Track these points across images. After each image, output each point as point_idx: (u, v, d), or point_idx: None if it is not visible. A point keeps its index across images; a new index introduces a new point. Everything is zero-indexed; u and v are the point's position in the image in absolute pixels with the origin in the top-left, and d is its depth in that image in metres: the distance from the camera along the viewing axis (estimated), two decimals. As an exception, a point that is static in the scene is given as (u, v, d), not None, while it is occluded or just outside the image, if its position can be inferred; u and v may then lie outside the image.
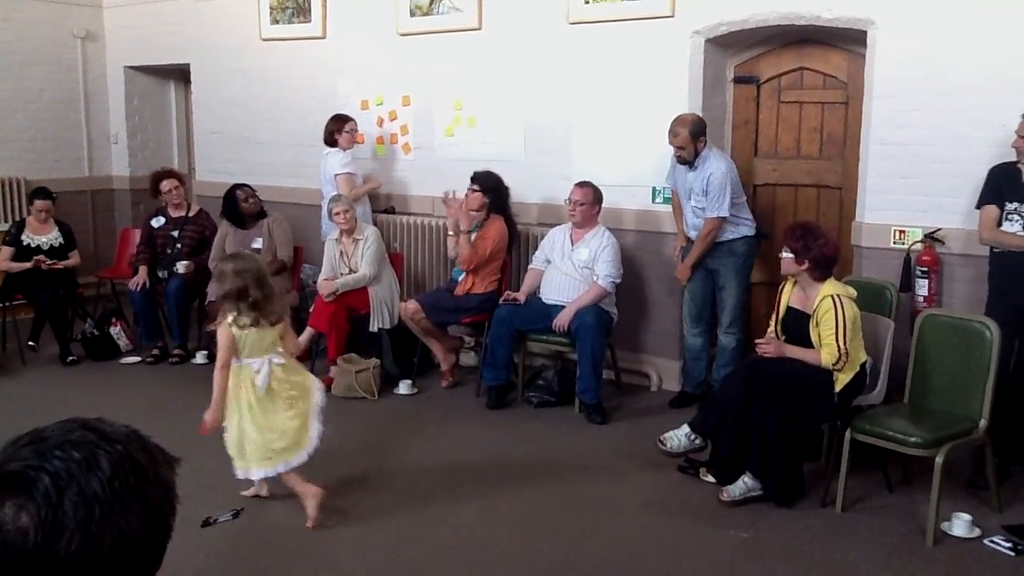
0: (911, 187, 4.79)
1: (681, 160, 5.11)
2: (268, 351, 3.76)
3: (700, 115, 5.20)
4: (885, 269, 4.81)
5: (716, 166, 5.03)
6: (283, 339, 3.84)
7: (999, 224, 4.23)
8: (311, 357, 6.00)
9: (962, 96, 4.60)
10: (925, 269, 4.68)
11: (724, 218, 5.06)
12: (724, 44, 5.47)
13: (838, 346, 3.92)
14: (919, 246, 4.75)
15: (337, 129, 6.32)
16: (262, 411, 3.74)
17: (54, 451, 0.93)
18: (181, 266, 6.30)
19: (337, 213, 5.79)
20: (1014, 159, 4.21)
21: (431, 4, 6.38)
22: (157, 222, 6.58)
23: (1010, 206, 4.19)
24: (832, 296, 3.96)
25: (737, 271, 5.20)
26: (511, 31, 6.05)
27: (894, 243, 4.85)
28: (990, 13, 4.49)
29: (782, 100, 5.50)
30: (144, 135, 8.69)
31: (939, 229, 4.70)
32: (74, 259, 6.63)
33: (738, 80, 5.60)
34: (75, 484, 0.91)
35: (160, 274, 6.40)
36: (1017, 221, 4.17)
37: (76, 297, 6.76)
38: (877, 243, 4.90)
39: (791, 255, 4.06)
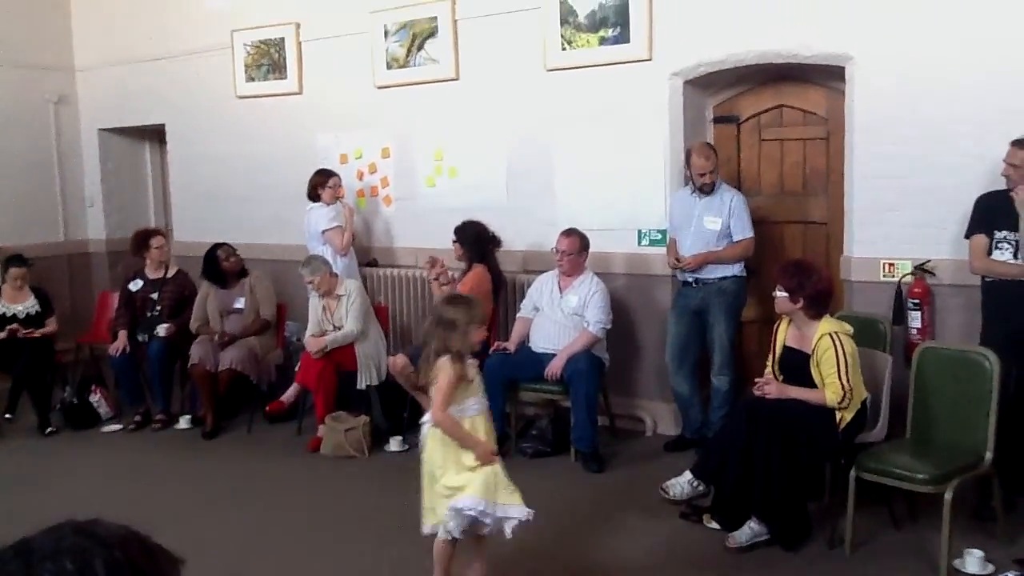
0: (898, 219, 4.78)
1: (705, 187, 5.10)
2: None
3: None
4: (876, 303, 4.77)
5: (733, 193, 5.17)
6: None
7: (989, 253, 4.22)
8: (298, 415, 5.89)
9: (942, 126, 4.61)
10: (917, 301, 4.65)
11: (753, 240, 5.12)
12: (703, 84, 5.49)
13: (841, 384, 3.86)
14: (909, 278, 4.73)
15: (320, 183, 6.29)
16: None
17: (44, 563, 0.84)
18: (162, 329, 6.19)
19: (309, 282, 5.74)
20: (1000, 187, 4.20)
21: (407, 56, 6.38)
22: (135, 285, 6.46)
23: (999, 234, 4.17)
24: (830, 334, 3.91)
25: (726, 310, 5.14)
26: (489, 80, 6.05)
27: (884, 276, 4.82)
28: (966, 45, 4.52)
29: (763, 138, 5.52)
30: (120, 197, 8.59)
31: (928, 260, 4.68)
32: (51, 326, 6.48)
33: (718, 120, 5.62)
34: None
35: (140, 337, 6.29)
36: (1007, 249, 4.15)
37: (54, 365, 6.60)
38: (867, 277, 4.88)
39: (785, 294, 4.01)
